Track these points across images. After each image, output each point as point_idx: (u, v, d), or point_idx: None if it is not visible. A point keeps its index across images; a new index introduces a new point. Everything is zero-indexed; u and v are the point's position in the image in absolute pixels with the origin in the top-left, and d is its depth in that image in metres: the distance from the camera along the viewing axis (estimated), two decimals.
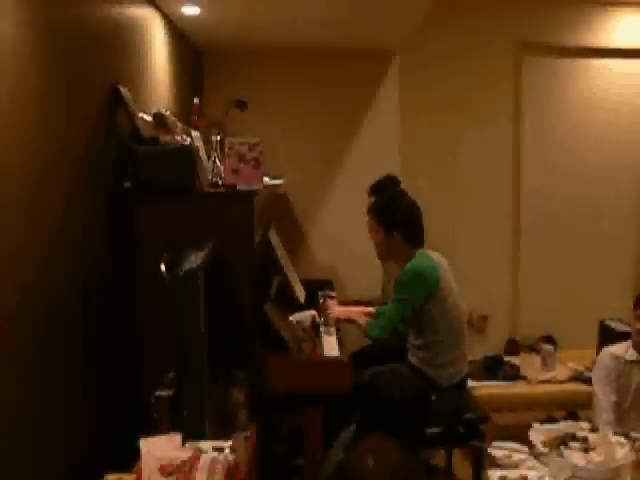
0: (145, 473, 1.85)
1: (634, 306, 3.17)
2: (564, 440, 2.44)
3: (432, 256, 3.19)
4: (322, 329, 3.31)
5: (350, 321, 3.40)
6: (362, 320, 3.32)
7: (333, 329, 3.37)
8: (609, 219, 5.20)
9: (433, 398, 3.05)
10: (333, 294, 3.93)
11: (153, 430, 2.06)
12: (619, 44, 5.11)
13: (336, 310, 3.47)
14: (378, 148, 4.76)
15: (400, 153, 4.81)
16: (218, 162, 2.91)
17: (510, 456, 2.51)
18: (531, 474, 2.35)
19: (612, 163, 5.19)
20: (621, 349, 3.22)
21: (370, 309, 3.51)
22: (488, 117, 5.05)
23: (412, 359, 3.16)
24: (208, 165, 2.89)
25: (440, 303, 3.08)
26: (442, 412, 3.06)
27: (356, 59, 4.67)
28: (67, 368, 2.10)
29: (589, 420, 2.97)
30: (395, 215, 3.22)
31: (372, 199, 3.77)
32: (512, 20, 4.97)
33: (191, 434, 2.03)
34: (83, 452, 2.20)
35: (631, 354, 3.17)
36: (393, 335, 3.17)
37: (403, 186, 4.43)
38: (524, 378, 4.04)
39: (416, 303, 3.07)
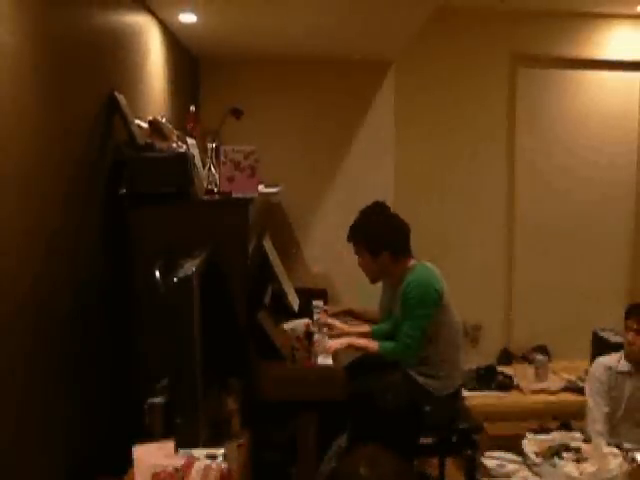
0: None
1: (625, 317, 3.19)
2: (557, 450, 2.45)
3: (431, 268, 3.18)
4: (316, 337, 3.30)
5: (354, 347, 3.30)
6: (367, 343, 3.25)
7: (326, 338, 3.36)
8: (602, 230, 5.22)
9: (427, 408, 3.04)
10: (325, 308, 3.92)
11: (146, 437, 2.05)
12: (613, 56, 5.14)
13: (333, 344, 3.28)
14: (373, 158, 4.78)
15: (395, 162, 4.83)
16: (213, 170, 2.91)
17: (503, 466, 2.51)
18: None
19: (605, 174, 5.22)
20: (613, 360, 3.23)
21: (362, 328, 3.52)
22: (483, 127, 5.07)
23: (407, 369, 3.15)
24: (203, 172, 2.89)
25: (439, 316, 3.07)
26: (436, 421, 3.05)
27: (352, 69, 4.70)
28: (60, 374, 2.09)
29: (582, 430, 2.97)
30: (377, 236, 3.19)
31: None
32: (507, 32, 5.01)
33: (184, 441, 2.02)
34: (76, 458, 2.19)
35: (623, 365, 3.18)
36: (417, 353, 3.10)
37: (397, 196, 4.45)
38: (517, 388, 4.05)
39: (431, 315, 3.05)
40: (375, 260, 3.20)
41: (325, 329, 3.39)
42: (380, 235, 3.19)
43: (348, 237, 3.33)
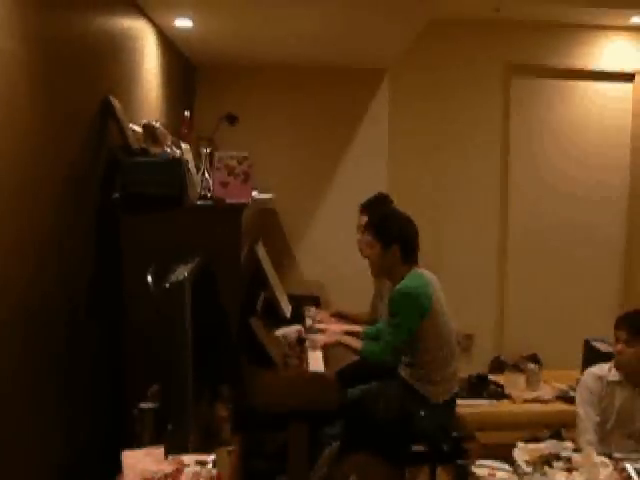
0: None
1: (615, 327, 3.19)
2: (548, 460, 2.44)
3: (424, 275, 3.18)
4: (308, 344, 3.30)
5: (342, 345, 3.31)
6: (354, 342, 3.27)
7: (318, 334, 3.38)
8: (595, 239, 5.24)
9: (422, 413, 3.03)
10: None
11: (136, 443, 2.04)
12: (606, 67, 5.18)
13: (323, 338, 3.36)
14: (366, 165, 4.80)
15: (388, 170, 4.84)
16: (207, 175, 2.91)
17: (494, 475, 2.50)
18: None
19: (599, 184, 5.24)
20: (604, 370, 3.23)
21: (356, 328, 3.53)
22: (476, 137, 5.09)
23: (403, 375, 3.14)
24: (197, 178, 2.89)
25: (432, 323, 3.05)
26: (429, 428, 3.04)
27: (347, 77, 4.71)
28: (51, 379, 2.08)
29: (573, 440, 2.97)
30: (393, 229, 3.19)
31: (363, 217, 3.78)
32: (501, 42, 5.03)
33: (174, 447, 2.01)
34: (66, 464, 2.18)
35: (614, 375, 3.18)
36: (396, 357, 3.12)
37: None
38: (509, 397, 4.04)
39: (412, 326, 3.03)
40: (385, 253, 3.18)
41: (319, 333, 3.41)
42: (397, 229, 3.20)
43: (366, 224, 3.40)
